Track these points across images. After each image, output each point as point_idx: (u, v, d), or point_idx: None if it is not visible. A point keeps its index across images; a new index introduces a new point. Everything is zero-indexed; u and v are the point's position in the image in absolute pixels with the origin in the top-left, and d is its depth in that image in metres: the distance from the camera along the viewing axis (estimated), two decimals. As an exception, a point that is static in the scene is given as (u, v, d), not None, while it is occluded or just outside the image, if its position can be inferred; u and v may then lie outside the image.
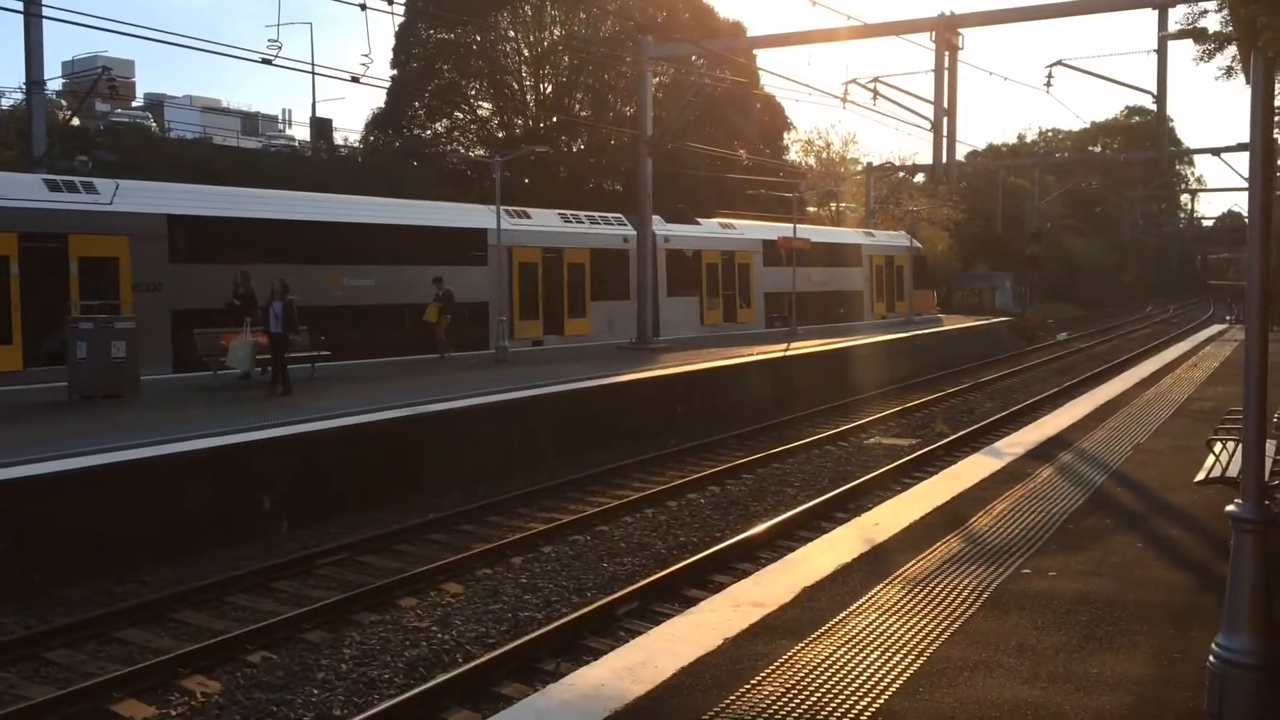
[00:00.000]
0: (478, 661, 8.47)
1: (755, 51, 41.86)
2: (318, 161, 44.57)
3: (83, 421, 14.45)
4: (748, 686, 5.43)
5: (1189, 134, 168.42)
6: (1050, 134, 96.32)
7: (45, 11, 20.75)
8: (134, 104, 53.89)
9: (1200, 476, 9.38)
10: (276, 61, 19.85)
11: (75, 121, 33.20)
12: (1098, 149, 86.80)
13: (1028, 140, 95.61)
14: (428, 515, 13.81)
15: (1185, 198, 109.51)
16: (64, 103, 37.47)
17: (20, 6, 21.79)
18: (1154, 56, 23.44)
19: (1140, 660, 5.77)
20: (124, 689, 8.22)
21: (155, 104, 58.07)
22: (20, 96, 31.55)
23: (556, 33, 48.70)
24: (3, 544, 10.52)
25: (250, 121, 66.38)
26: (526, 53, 48.74)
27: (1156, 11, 22.26)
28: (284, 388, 17.49)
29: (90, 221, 19.11)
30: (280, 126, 67.79)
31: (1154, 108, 25.67)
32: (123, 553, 11.42)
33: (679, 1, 48.94)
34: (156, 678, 8.44)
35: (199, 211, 20.98)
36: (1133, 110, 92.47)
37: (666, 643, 6.13)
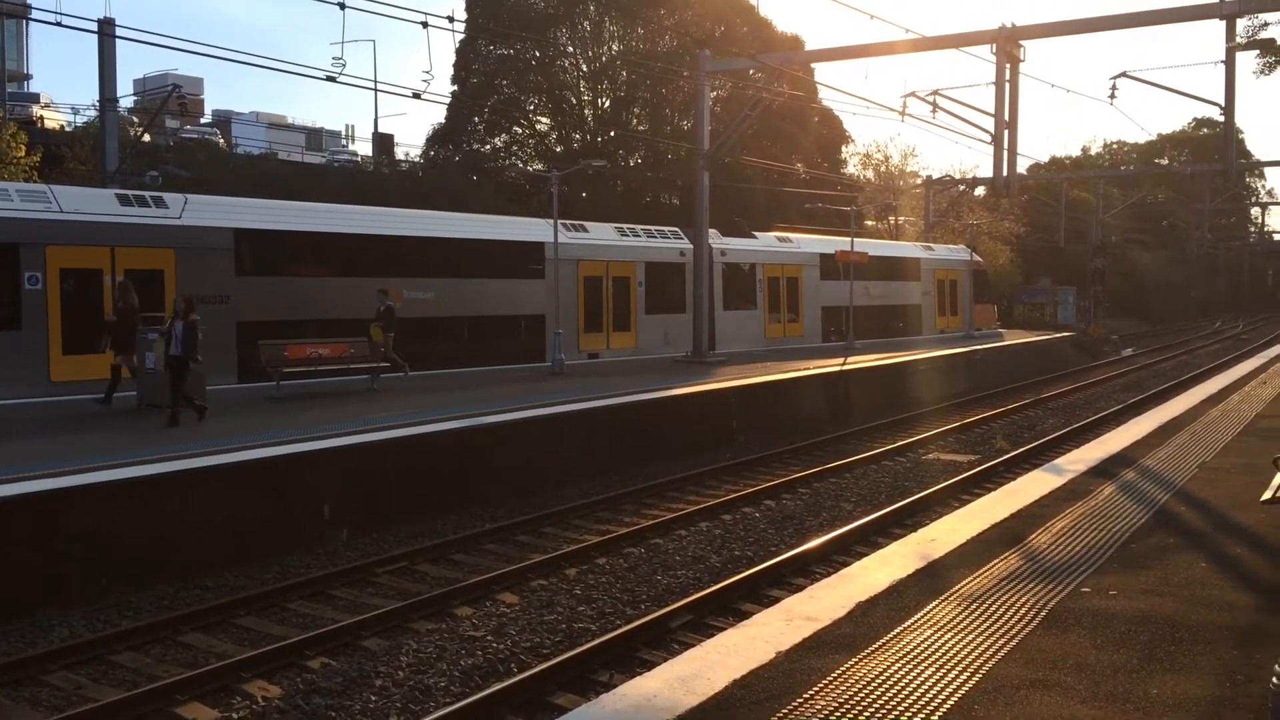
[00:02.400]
0: (532, 671, 8.54)
1: (813, 65, 41.79)
2: (379, 176, 45.27)
3: (151, 430, 14.80)
4: (800, 700, 5.42)
5: (1260, 146, 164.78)
6: (1115, 146, 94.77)
7: (119, 32, 21.40)
8: (202, 120, 55.20)
9: (1267, 495, 9.19)
10: (340, 79, 20.26)
11: (146, 138, 34.06)
12: (1164, 161, 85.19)
13: (1092, 153, 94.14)
14: (484, 525, 13.94)
15: (1255, 211, 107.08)
16: (135, 119, 38.50)
17: (95, 27, 22.48)
18: (1221, 67, 23.05)
19: (1202, 681, 5.66)
20: (188, 692, 8.41)
21: (223, 120, 59.40)
22: (94, 113, 32.47)
23: (615, 48, 49.04)
24: (73, 549, 10.82)
25: (314, 137, 67.63)
26: (585, 68, 49.14)
27: (1224, 22, 21.89)
28: (173, 418, 15.13)
29: (160, 235, 19.60)
30: (343, 142, 69.00)
31: (1222, 119, 25.17)
32: (187, 559, 11.68)
33: (737, 16, 49.07)
34: (219, 681, 8.63)
35: (264, 225, 21.41)
36: (1200, 122, 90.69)
37: (719, 655, 6.13)
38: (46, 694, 8.65)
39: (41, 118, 42.85)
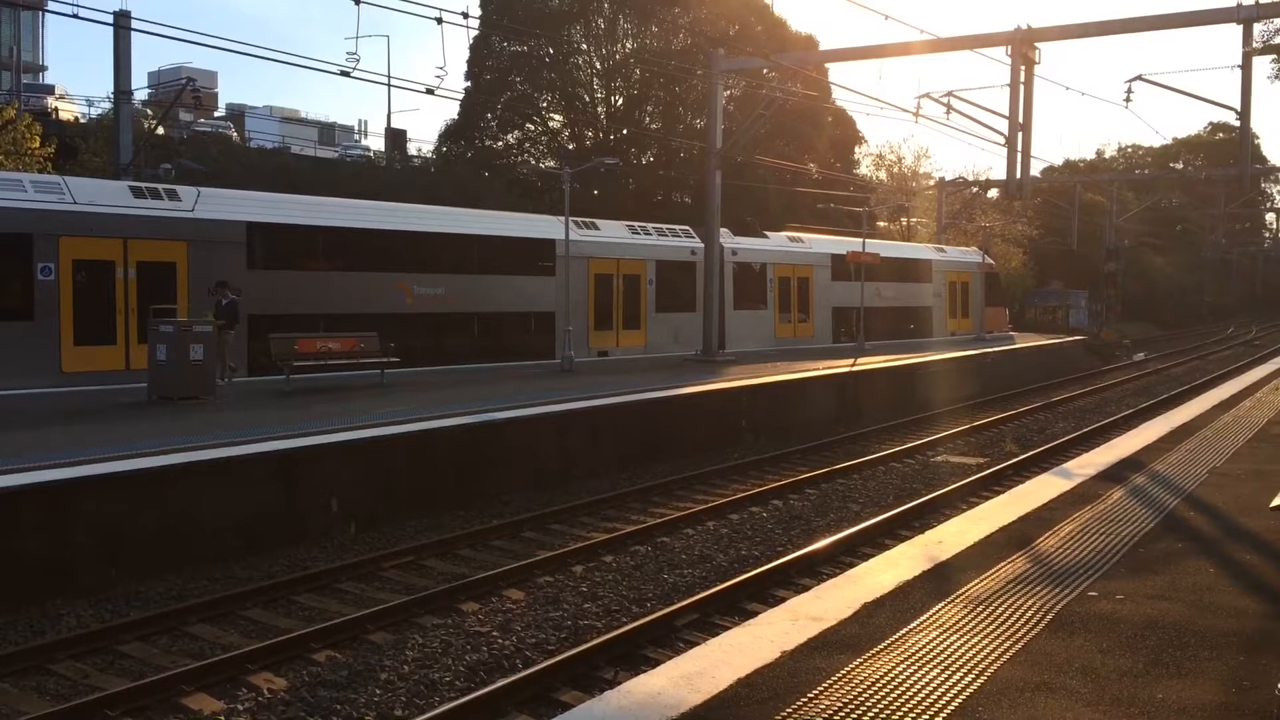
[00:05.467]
0: (537, 667, 8.55)
1: (827, 65, 41.70)
2: (392, 171, 45.35)
3: (161, 422, 14.85)
4: (804, 700, 5.41)
5: (1276, 151, 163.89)
6: (1130, 150, 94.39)
7: (134, 24, 21.43)
8: (216, 114, 55.38)
9: (1277, 501, 9.14)
10: (354, 73, 20.29)
11: (160, 130, 34.16)
12: (1179, 166, 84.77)
13: (1106, 156, 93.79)
14: (491, 521, 13.96)
15: (1270, 217, 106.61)
16: (149, 112, 38.63)
17: (111, 20, 22.56)
18: (1238, 72, 22.95)
19: (1207, 687, 5.64)
20: (194, 683, 8.44)
21: (236, 114, 59.58)
22: (109, 106, 32.58)
23: (628, 46, 49.01)
24: (81, 539, 10.86)
25: (327, 132, 67.87)
26: (598, 65, 49.12)
27: (1241, 26, 21.78)
28: None
29: (172, 227, 19.67)
30: (356, 137, 69.22)
31: (1238, 124, 25.05)
32: (195, 550, 11.72)
33: (751, 15, 48.96)
34: (225, 673, 8.65)
35: (276, 219, 21.47)
36: (1216, 126, 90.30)
37: (724, 654, 6.13)
38: (53, 683, 8.69)
39: (56, 109, 43.06)
